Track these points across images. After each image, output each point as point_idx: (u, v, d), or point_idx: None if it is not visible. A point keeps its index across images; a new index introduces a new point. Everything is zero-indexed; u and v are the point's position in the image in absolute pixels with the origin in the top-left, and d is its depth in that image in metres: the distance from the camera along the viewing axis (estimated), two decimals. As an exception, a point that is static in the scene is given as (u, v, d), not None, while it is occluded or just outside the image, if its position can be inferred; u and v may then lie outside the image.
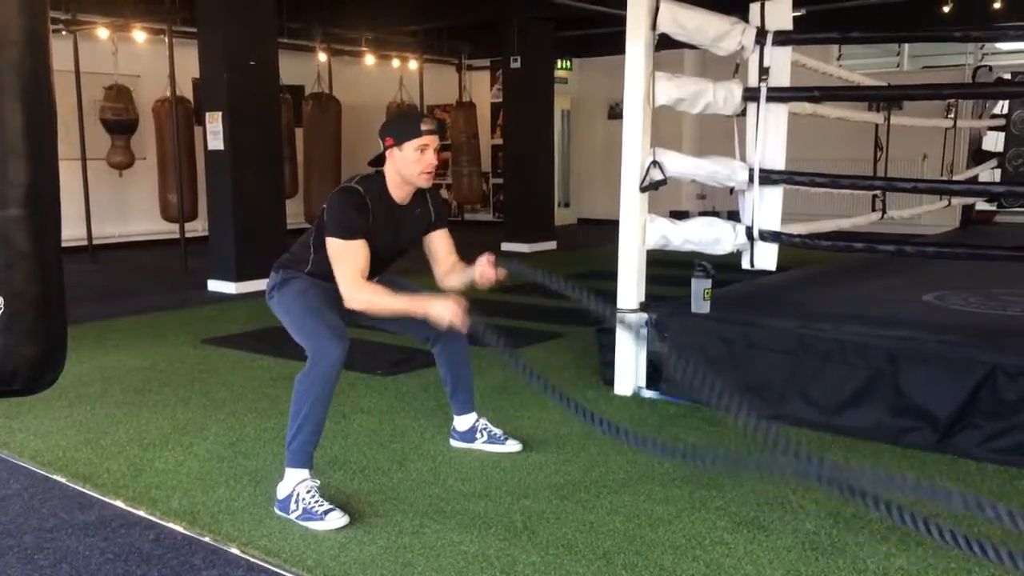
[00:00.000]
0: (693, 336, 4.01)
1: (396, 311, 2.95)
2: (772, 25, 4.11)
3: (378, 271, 3.05)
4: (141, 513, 2.86)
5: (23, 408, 3.91)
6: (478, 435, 3.43)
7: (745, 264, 4.35)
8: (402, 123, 3.01)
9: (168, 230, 9.78)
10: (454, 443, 3.46)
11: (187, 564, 2.50)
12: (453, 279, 3.14)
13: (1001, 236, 8.61)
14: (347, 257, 2.88)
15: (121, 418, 3.86)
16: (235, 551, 2.58)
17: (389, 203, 2.99)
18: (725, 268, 4.41)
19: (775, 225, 4.21)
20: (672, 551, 2.54)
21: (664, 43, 4.08)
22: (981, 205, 9.92)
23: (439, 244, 3.18)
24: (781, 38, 4.10)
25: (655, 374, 4.13)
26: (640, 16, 3.99)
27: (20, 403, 3.92)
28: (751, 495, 2.96)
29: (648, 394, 4.15)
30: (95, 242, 9.32)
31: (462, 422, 3.45)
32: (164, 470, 3.22)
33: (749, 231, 4.21)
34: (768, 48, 4.09)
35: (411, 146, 2.90)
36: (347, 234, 2.88)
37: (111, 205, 10.08)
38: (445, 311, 2.80)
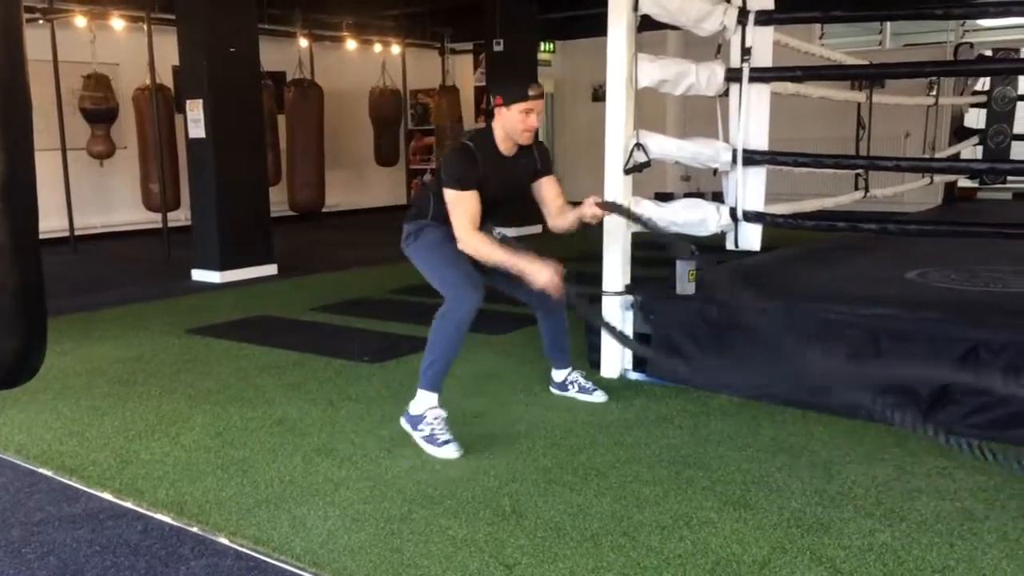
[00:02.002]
0: (678, 317, 4.02)
1: (499, 262, 3.26)
2: (754, 5, 4.11)
3: (492, 215, 3.44)
4: (128, 504, 2.85)
5: (7, 402, 3.89)
6: (570, 386, 3.85)
7: (730, 244, 4.36)
8: (511, 86, 3.30)
9: (151, 220, 9.72)
10: (553, 390, 3.91)
11: (175, 554, 2.50)
12: (562, 220, 3.50)
13: (983, 213, 8.67)
14: (461, 205, 3.24)
15: (107, 410, 3.84)
16: (223, 540, 2.58)
17: (497, 155, 3.34)
18: (710, 249, 4.43)
19: (759, 205, 4.23)
20: (659, 531, 2.56)
21: (646, 24, 4.06)
22: (963, 182, 9.99)
23: (547, 189, 3.53)
24: (763, 18, 4.10)
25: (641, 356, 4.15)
26: (622, -2, 3.97)
27: (4, 396, 3.89)
28: (737, 474, 2.98)
29: (634, 376, 4.16)
30: (77, 233, 9.25)
31: (558, 374, 3.88)
32: (151, 461, 3.22)
33: (733, 212, 4.23)
34: (750, 28, 4.09)
35: (517, 107, 3.26)
36: (460, 185, 3.24)
37: (92, 195, 10.00)
38: (541, 274, 3.16)
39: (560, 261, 3.23)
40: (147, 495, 2.90)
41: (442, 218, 3.33)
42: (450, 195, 3.25)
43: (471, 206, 3.24)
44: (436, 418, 3.22)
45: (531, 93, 3.25)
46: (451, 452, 3.15)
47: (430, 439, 3.19)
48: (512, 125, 3.29)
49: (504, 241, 3.42)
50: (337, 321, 5.64)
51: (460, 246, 3.27)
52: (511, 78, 3.47)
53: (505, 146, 3.36)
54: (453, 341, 3.21)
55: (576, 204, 3.48)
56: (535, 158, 3.48)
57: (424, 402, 3.25)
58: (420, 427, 3.23)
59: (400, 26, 11.53)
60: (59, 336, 5.26)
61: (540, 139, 3.52)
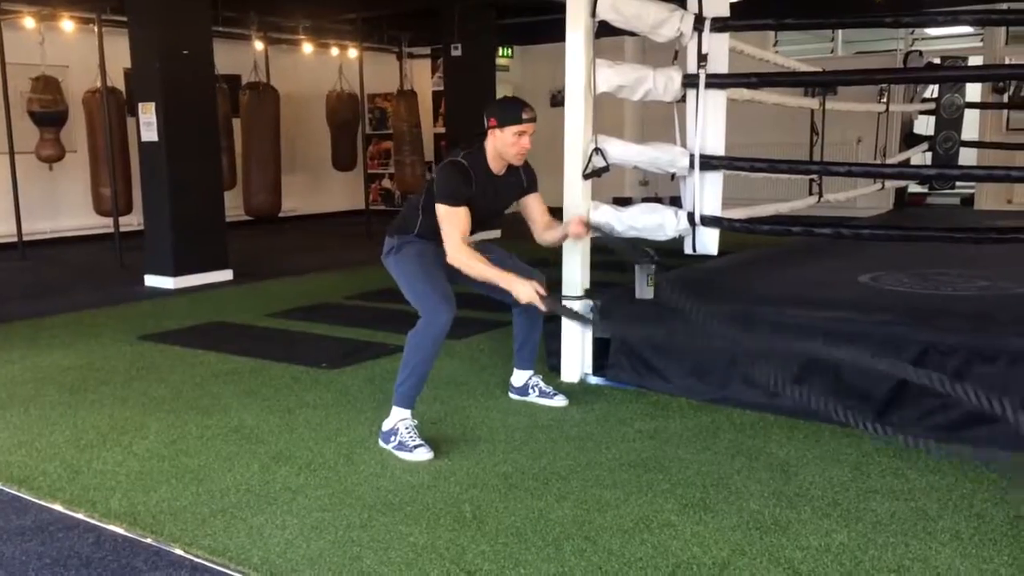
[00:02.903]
0: (637, 322, 4.04)
1: (486, 278, 3.37)
2: (710, 12, 4.14)
3: (479, 228, 3.53)
4: (80, 516, 2.78)
5: (-48, 411, 3.79)
6: (530, 390, 3.88)
7: (688, 249, 4.39)
8: (506, 109, 3.42)
9: (102, 224, 9.51)
10: (512, 395, 3.93)
11: (129, 566, 2.45)
12: (549, 235, 3.72)
13: (933, 218, 8.86)
14: (453, 221, 3.34)
15: (56, 419, 3.75)
16: (178, 551, 2.53)
17: (488, 173, 3.46)
18: (669, 253, 4.46)
19: (716, 210, 4.26)
20: (620, 535, 2.56)
21: (604, 30, 4.08)
22: (913, 187, 10.20)
23: (534, 207, 3.70)
24: (719, 25, 4.14)
25: (601, 360, 4.16)
26: (580, 3, 3.98)
27: (-51, 406, 3.79)
28: (697, 477, 3.00)
29: (594, 380, 4.17)
30: (25, 238, 9.02)
31: (519, 377, 3.91)
32: (103, 471, 3.15)
33: (691, 216, 4.26)
34: (706, 35, 4.12)
35: (511, 130, 3.38)
36: (453, 201, 3.33)
37: (41, 200, 9.77)
38: (525, 292, 3.27)
39: (543, 286, 3.34)
40: (99, 506, 2.83)
41: (428, 233, 3.43)
42: (442, 210, 3.33)
43: (462, 221, 3.34)
44: (407, 427, 3.27)
45: (525, 116, 3.36)
46: (423, 455, 3.18)
47: (401, 447, 3.24)
48: (505, 147, 3.40)
49: (483, 249, 3.48)
50: (294, 327, 5.58)
51: (449, 260, 3.35)
52: (505, 102, 3.54)
53: (496, 165, 3.47)
54: (427, 357, 3.28)
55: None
56: (522, 177, 3.61)
57: (396, 417, 3.31)
58: (391, 439, 3.28)
59: (357, 30, 11.43)
60: (6, 344, 5.13)
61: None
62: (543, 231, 3.72)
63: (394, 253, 3.51)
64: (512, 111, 3.38)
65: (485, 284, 3.47)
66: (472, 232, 3.45)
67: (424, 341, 3.26)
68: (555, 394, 3.85)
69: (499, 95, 11.53)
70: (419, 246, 3.46)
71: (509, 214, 3.77)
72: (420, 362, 3.28)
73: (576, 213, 4.11)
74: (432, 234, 3.41)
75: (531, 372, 3.92)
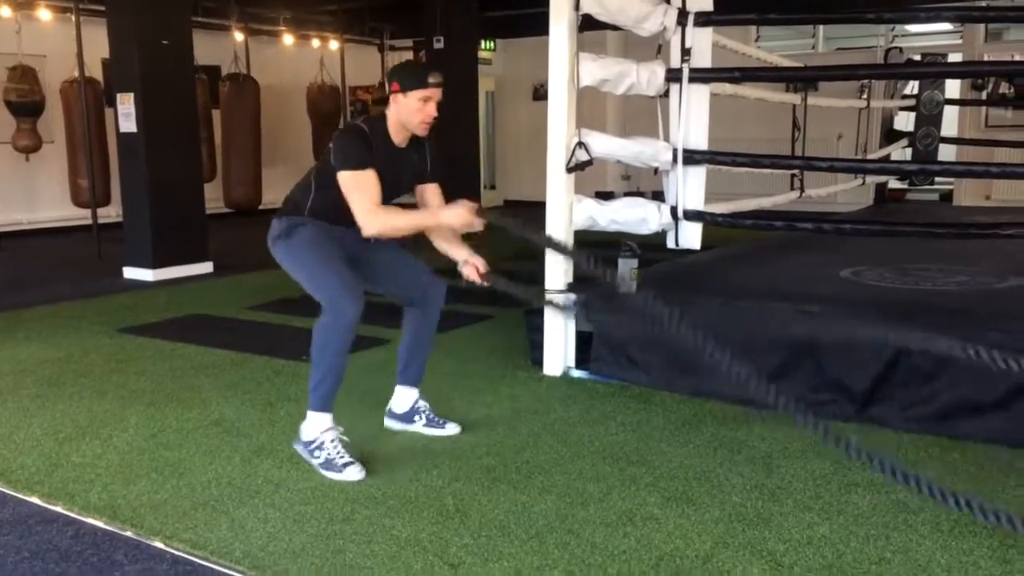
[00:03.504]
0: (620, 315, 4.04)
1: (413, 226, 3.04)
2: (693, 6, 4.15)
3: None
4: (58, 509, 2.75)
5: (-72, 404, 3.74)
6: (417, 417, 3.41)
7: (670, 243, 4.40)
8: (411, 72, 3.09)
9: (80, 216, 9.44)
10: (390, 424, 3.44)
11: (108, 560, 2.42)
12: (444, 242, 3.17)
13: (913, 213, 8.93)
14: (361, 186, 2.95)
15: (35, 411, 3.71)
16: (159, 545, 2.50)
17: (388, 145, 3.06)
18: (651, 248, 4.46)
19: (699, 204, 4.27)
20: (604, 528, 2.57)
21: (587, 24, 4.07)
22: (893, 183, 10.28)
23: (431, 197, 3.23)
24: (702, 19, 4.14)
25: (584, 354, 4.16)
26: (564, -4, 3.98)
27: (-76, 399, 3.74)
28: (679, 470, 3.00)
29: (577, 374, 4.17)
30: (2, 230, 8.96)
31: (403, 400, 3.42)
32: (82, 464, 3.11)
33: (674, 210, 4.26)
34: (690, 29, 4.13)
35: (415, 95, 2.99)
36: (357, 165, 2.95)
37: (18, 191, 9.67)
38: (456, 216, 2.95)
39: (471, 199, 3.03)
40: (78, 499, 2.80)
41: (322, 212, 3.05)
42: (346, 177, 2.95)
43: (371, 184, 2.96)
44: (332, 441, 2.99)
45: (431, 80, 3.00)
46: (353, 474, 2.93)
47: (328, 465, 2.96)
48: (408, 115, 3.02)
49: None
50: (275, 320, 5.55)
51: (367, 231, 2.99)
52: (410, 65, 3.23)
53: (398, 136, 3.08)
54: (340, 353, 2.95)
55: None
56: (426, 157, 3.20)
57: (317, 424, 3.00)
58: (316, 454, 2.99)
59: (339, 21, 11.39)
60: (-17, 336, 5.07)
61: (438, 138, 3.30)
62: (438, 232, 3.16)
63: (283, 239, 3.10)
64: (417, 75, 3.02)
65: (378, 279, 3.19)
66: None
67: (332, 338, 2.93)
68: (445, 422, 3.41)
69: (482, 89, 11.52)
70: (312, 229, 3.06)
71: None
72: (332, 358, 2.95)
73: (560, 206, 4.11)
74: (328, 213, 3.03)
75: (417, 394, 3.43)
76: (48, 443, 3.33)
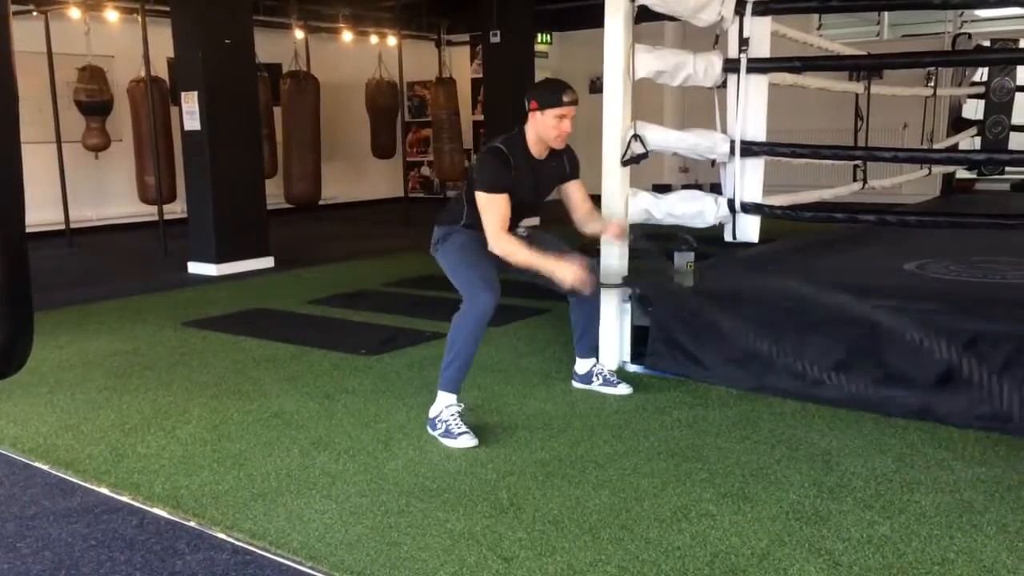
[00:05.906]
0: (676, 309, 4.01)
1: (529, 265, 3.35)
2: (751, -5, 4.07)
3: (521, 215, 3.50)
4: (124, 498, 2.84)
5: (1, 395, 3.87)
6: (594, 378, 3.85)
7: (728, 236, 4.34)
8: (547, 91, 3.38)
9: (146, 212, 9.68)
10: (575, 384, 3.90)
11: (171, 549, 2.49)
12: (587, 227, 3.70)
13: (981, 204, 8.66)
14: (492, 208, 3.31)
15: (102, 403, 3.83)
16: (220, 534, 2.56)
17: (528, 158, 3.43)
18: (708, 241, 4.41)
19: (757, 197, 4.20)
20: (658, 524, 2.55)
21: (644, 15, 4.04)
22: (961, 173, 9.97)
23: (575, 194, 3.66)
24: (761, 8, 4.07)
25: (639, 348, 4.13)
26: (619, -12, 3.94)
27: (-1, 390, 3.88)
28: (735, 467, 2.96)
29: (633, 368, 4.15)
30: (72, 226, 9.21)
31: (582, 366, 3.88)
32: (146, 455, 3.20)
33: (731, 203, 4.20)
34: (748, 18, 4.06)
35: (552, 113, 3.33)
36: (492, 188, 3.30)
37: (88, 188, 9.95)
38: (568, 274, 3.25)
39: (584, 253, 3.38)
40: (143, 489, 2.88)
41: (474, 223, 3.41)
42: (481, 198, 3.32)
43: (502, 209, 3.31)
44: (452, 415, 3.28)
45: (566, 99, 3.32)
46: (466, 442, 3.19)
47: (446, 434, 3.25)
48: (546, 130, 3.36)
49: (528, 238, 3.49)
50: (334, 314, 5.62)
51: (491, 248, 3.33)
52: (546, 84, 3.47)
53: (536, 149, 3.43)
54: (471, 341, 3.27)
55: None
56: (564, 162, 3.56)
57: (442, 403, 3.32)
58: (438, 425, 3.29)
59: (396, 17, 11.45)
60: (54, 329, 5.24)
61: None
62: (584, 220, 3.68)
63: (441, 243, 3.51)
64: (553, 94, 3.34)
65: (539, 279, 3.45)
66: (514, 218, 3.41)
67: (466, 323, 3.25)
68: (619, 383, 3.82)
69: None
70: (464, 236, 3.44)
71: (549, 201, 3.74)
72: (464, 345, 3.26)
73: (615, 200, 4.09)
74: (479, 224, 3.39)
75: (594, 360, 3.89)
76: (115, 434, 3.43)
